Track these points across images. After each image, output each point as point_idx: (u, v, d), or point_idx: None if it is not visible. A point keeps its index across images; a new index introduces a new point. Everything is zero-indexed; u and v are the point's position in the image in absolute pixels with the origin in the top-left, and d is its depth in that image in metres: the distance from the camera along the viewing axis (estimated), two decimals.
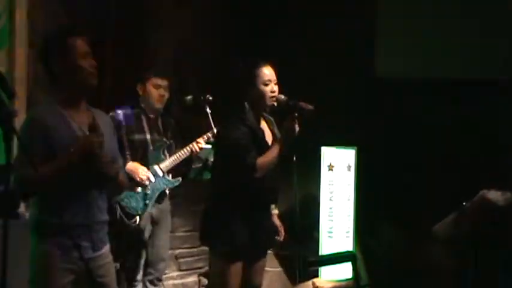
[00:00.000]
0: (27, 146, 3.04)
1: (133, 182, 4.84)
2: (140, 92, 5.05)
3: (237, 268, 4.02)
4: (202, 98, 5.04)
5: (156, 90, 5.03)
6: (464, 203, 4.01)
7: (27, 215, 4.45)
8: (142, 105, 5.06)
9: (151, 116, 5.08)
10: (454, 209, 4.02)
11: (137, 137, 4.97)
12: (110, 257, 3.43)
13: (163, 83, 5.06)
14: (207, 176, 4.93)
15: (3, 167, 2.63)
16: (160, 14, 6.00)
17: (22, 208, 4.63)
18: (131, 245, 5.01)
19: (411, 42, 6.24)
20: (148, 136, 5.03)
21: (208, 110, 5.01)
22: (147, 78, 5.04)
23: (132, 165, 4.91)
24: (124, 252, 4.94)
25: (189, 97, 5.14)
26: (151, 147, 5.03)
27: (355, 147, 5.95)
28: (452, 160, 5.89)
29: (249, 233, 4.01)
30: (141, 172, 4.91)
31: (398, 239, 6.17)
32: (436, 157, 6.01)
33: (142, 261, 5.07)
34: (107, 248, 3.40)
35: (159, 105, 5.07)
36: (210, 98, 5.04)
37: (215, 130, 4.89)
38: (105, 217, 3.40)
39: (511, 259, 4.29)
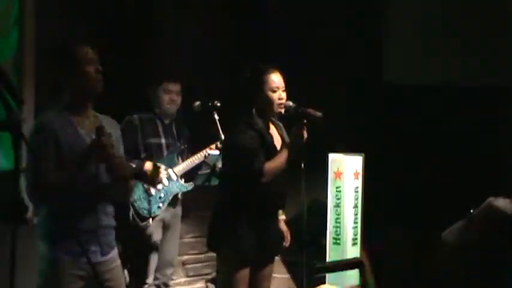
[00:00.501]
0: (37, 151, 3.07)
1: (149, 180, 4.88)
2: (151, 97, 5.08)
3: (244, 274, 4.02)
4: (210, 104, 5.04)
5: (167, 95, 5.06)
6: (471, 210, 4.00)
7: (35, 220, 4.48)
8: (157, 110, 5.09)
9: (166, 120, 5.11)
10: (462, 215, 4.01)
11: (152, 141, 5.02)
12: (118, 261, 3.46)
13: (174, 87, 5.08)
14: (215, 182, 4.94)
15: (12, 172, 2.64)
16: (165, 17, 6.02)
17: (30, 213, 4.65)
18: (142, 248, 5.02)
19: (418, 48, 6.24)
20: (163, 140, 5.07)
21: (216, 116, 4.99)
22: (158, 83, 5.06)
23: (150, 165, 4.93)
24: (134, 255, 4.95)
25: (197, 103, 5.13)
26: (165, 152, 5.06)
27: (363, 154, 5.94)
28: (459, 165, 5.89)
29: (256, 239, 4.01)
30: (161, 171, 4.94)
31: (406, 245, 6.16)
32: (445, 162, 6.01)
33: (154, 265, 5.07)
34: (114, 253, 3.43)
35: (171, 110, 5.10)
36: (218, 104, 5.02)
37: (223, 136, 4.89)
38: (113, 222, 3.44)
39: None
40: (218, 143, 5.02)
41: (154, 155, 5.01)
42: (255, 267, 4.10)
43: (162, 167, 4.96)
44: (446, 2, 6.21)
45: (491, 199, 4.04)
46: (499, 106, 5.85)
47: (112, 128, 3.46)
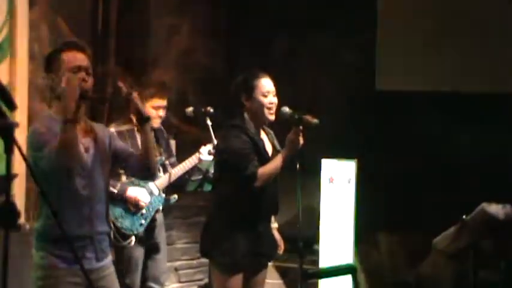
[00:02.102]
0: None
1: (134, 206, 4.83)
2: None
3: (237, 280, 4.00)
4: (202, 110, 4.99)
5: (155, 111, 4.89)
6: (464, 216, 4.01)
7: (27, 226, 4.47)
8: (136, 122, 4.98)
9: None
10: (454, 221, 4.02)
11: None
12: (112, 268, 3.45)
13: (163, 103, 4.95)
14: (208, 188, 4.90)
15: (4, 178, 2.63)
16: (160, 23, 6.01)
17: (23, 219, 4.64)
18: (128, 262, 4.92)
19: (410, 55, 6.27)
20: None
21: (208, 122, 4.94)
22: (147, 99, 4.88)
23: (134, 191, 4.87)
24: (120, 271, 4.80)
25: (190, 109, 5.09)
26: None
27: (356, 160, 5.95)
28: (452, 172, 5.90)
29: (250, 245, 4.00)
30: (144, 199, 4.86)
31: (398, 251, 6.17)
32: (436, 169, 6.02)
33: (138, 281, 4.98)
34: (109, 259, 3.43)
35: (156, 125, 4.93)
36: (211, 110, 4.98)
37: (215, 142, 4.84)
38: (107, 229, 3.42)
39: (511, 271, 4.29)
40: (205, 149, 4.95)
41: None
42: (249, 274, 4.08)
43: (145, 196, 4.88)
44: (438, 9, 6.23)
45: (484, 204, 4.06)
46: (492, 112, 5.87)
47: (104, 134, 3.46)
